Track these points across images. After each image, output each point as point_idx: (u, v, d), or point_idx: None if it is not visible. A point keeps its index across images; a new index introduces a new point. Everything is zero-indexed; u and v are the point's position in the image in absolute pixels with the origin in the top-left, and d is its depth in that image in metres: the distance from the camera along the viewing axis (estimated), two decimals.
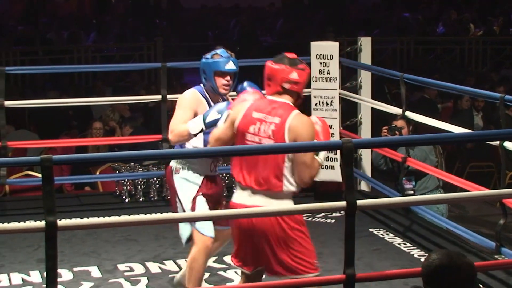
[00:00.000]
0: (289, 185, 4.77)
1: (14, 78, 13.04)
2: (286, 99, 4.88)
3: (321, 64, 8.34)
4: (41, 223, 4.09)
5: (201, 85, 5.76)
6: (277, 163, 4.75)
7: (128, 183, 8.58)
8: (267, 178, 4.76)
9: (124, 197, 8.57)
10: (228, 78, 5.71)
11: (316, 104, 8.37)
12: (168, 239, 7.26)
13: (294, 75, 4.86)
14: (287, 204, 4.78)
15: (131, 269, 6.60)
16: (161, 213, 7.96)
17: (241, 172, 4.86)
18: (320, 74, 8.34)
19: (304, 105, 8.55)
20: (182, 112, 5.62)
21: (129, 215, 7.79)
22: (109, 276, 6.45)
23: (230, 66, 5.72)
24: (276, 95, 4.90)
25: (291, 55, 4.96)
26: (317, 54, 8.35)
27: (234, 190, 4.99)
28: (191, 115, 5.60)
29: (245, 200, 4.84)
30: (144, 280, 6.36)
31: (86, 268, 6.59)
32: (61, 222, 4.14)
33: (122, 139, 9.57)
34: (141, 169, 8.67)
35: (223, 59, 5.70)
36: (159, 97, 8.50)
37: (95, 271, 6.54)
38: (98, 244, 7.15)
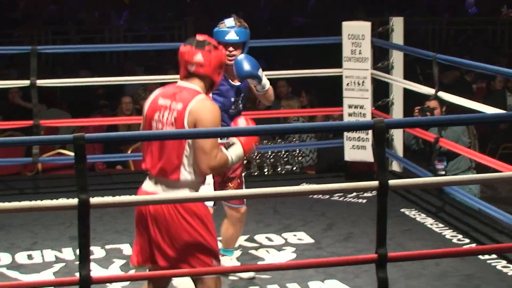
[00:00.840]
0: (186, 174, 4.53)
1: (46, 57, 13.07)
2: (195, 84, 4.59)
3: (352, 44, 8.28)
4: (73, 201, 4.10)
5: None
6: (177, 151, 4.51)
7: None
8: (166, 166, 4.55)
9: None
10: (230, 48, 5.55)
11: (347, 84, 8.32)
12: None
13: (198, 57, 4.55)
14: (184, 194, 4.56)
15: None
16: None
17: (150, 160, 4.67)
18: (351, 54, 8.28)
19: (336, 85, 8.56)
20: None
21: None
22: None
23: (231, 36, 5.55)
24: (185, 79, 4.63)
25: (202, 37, 4.68)
26: (349, 34, 8.29)
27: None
28: None
29: (148, 188, 4.69)
30: None
31: (118, 246, 6.62)
32: (94, 200, 4.14)
33: None
34: None
35: (225, 29, 5.56)
36: None
37: (126, 249, 6.56)
38: (130, 222, 7.14)
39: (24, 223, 7.05)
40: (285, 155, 8.90)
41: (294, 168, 8.93)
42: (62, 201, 4.29)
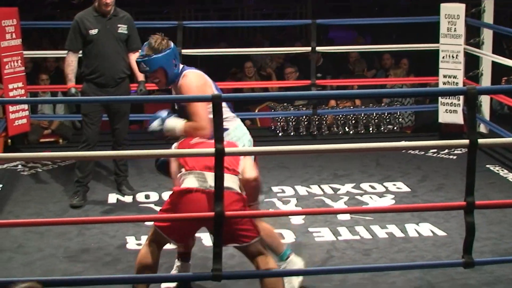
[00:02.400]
0: None
1: (189, 31, 13.21)
2: None
3: (448, 22, 8.17)
4: (212, 149, 4.13)
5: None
6: None
7: (282, 120, 8.65)
8: None
9: (278, 131, 8.64)
10: (151, 76, 4.71)
11: (443, 57, 8.22)
12: (314, 167, 7.29)
13: None
14: None
15: (283, 191, 6.66)
16: (309, 145, 8.03)
17: None
18: (447, 31, 8.18)
19: (432, 58, 8.42)
20: None
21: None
22: (265, 196, 6.52)
23: (143, 68, 4.67)
24: None
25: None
26: (445, 14, 8.18)
27: None
28: None
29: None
30: (293, 201, 6.41)
31: None
32: (228, 149, 4.16)
33: (277, 83, 9.61)
34: (292, 108, 8.72)
35: (139, 59, 4.70)
36: (309, 48, 8.50)
37: None
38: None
39: None
40: (387, 117, 8.81)
41: (395, 128, 8.83)
42: (203, 150, 4.32)
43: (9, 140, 7.96)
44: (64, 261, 5.23)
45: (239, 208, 4.24)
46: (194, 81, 4.68)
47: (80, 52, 6.43)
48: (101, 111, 6.42)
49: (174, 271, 4.85)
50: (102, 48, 6.32)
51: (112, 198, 6.52)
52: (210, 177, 4.21)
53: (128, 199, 6.48)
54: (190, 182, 4.26)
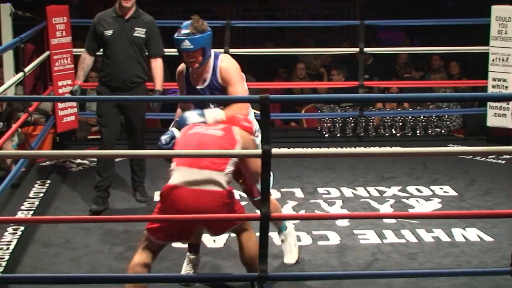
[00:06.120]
0: None
1: (236, 30, 13.23)
2: None
3: (499, 25, 8.06)
4: (259, 150, 4.15)
5: None
6: None
7: (328, 121, 8.62)
8: None
9: (324, 132, 8.61)
10: (188, 56, 4.73)
11: (493, 60, 8.12)
12: (360, 169, 7.26)
13: None
14: None
15: (328, 193, 6.64)
16: (355, 147, 8.01)
17: None
18: (498, 34, 8.07)
19: (482, 60, 8.32)
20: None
21: (328, 148, 7.92)
22: (310, 197, 6.51)
23: (185, 45, 4.68)
24: None
25: None
26: (496, 16, 8.07)
27: None
28: (179, 85, 4.96)
29: None
30: (339, 203, 6.38)
31: (291, 190, 6.68)
32: (275, 151, 4.17)
33: (324, 84, 9.58)
34: (339, 109, 8.69)
35: (180, 37, 4.69)
36: (357, 49, 8.46)
37: (298, 192, 6.62)
38: (301, 170, 7.23)
39: None
40: (435, 119, 8.74)
41: (443, 131, 8.75)
42: (249, 150, 4.33)
43: (57, 137, 8.05)
44: (110, 257, 5.28)
45: (228, 203, 4.25)
46: (234, 61, 4.84)
47: (98, 52, 6.34)
48: (116, 113, 6.29)
49: (187, 264, 4.89)
50: (115, 51, 6.21)
51: (158, 196, 6.54)
52: (196, 173, 4.21)
53: None
54: (176, 178, 4.25)
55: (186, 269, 4.89)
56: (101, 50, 6.35)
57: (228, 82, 4.76)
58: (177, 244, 5.30)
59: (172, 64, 10.24)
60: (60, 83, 7.52)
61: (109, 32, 6.22)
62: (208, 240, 5.45)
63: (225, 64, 4.79)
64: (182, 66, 4.89)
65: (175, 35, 4.72)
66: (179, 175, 4.25)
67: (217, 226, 4.38)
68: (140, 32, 6.24)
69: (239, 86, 4.75)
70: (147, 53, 6.32)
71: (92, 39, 6.31)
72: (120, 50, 6.21)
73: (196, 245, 4.89)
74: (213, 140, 4.29)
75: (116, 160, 7.40)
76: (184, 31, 4.70)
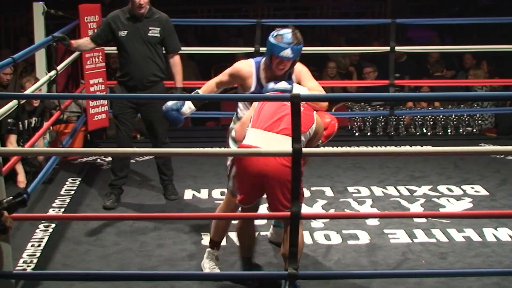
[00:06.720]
0: None
1: (267, 29, 13.22)
2: None
3: None
4: (289, 149, 4.14)
5: (263, 58, 4.87)
6: None
7: (358, 120, 8.60)
8: None
9: (354, 131, 8.59)
10: (282, 64, 4.74)
11: None
12: (390, 168, 7.22)
13: None
14: None
15: (358, 191, 6.61)
16: (385, 146, 7.97)
17: None
18: None
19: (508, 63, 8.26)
20: (221, 76, 4.96)
21: (358, 146, 7.90)
22: (340, 196, 6.49)
23: (286, 54, 4.69)
24: None
25: None
26: None
27: None
28: (226, 81, 4.93)
29: None
30: (369, 201, 6.36)
31: (321, 188, 6.66)
32: (305, 149, 4.17)
33: (355, 82, 9.56)
34: (369, 108, 8.66)
35: (282, 45, 4.68)
36: (387, 48, 8.42)
37: (328, 191, 6.60)
38: (331, 169, 7.21)
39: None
40: (466, 118, 8.68)
41: (474, 130, 8.69)
42: (279, 150, 4.33)
43: (88, 135, 8.10)
44: (140, 255, 5.30)
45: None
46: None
47: (103, 47, 6.35)
48: (132, 114, 6.32)
49: (209, 261, 4.92)
50: (131, 51, 6.21)
51: (188, 194, 6.58)
52: (269, 136, 4.34)
53: (204, 195, 6.53)
54: (250, 138, 4.41)
55: (210, 266, 4.91)
56: (117, 49, 6.39)
57: (303, 79, 4.89)
58: (206, 242, 5.32)
59: (202, 63, 10.32)
60: (91, 81, 7.56)
61: (124, 33, 6.23)
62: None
63: (301, 67, 4.92)
64: (243, 65, 4.87)
65: (273, 40, 4.71)
66: (253, 135, 4.40)
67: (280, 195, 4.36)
68: (154, 32, 6.23)
69: (313, 80, 4.91)
70: (164, 51, 6.33)
71: (99, 32, 6.34)
72: (135, 50, 6.22)
73: (219, 242, 4.92)
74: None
75: (146, 158, 7.44)
76: (286, 40, 4.70)
